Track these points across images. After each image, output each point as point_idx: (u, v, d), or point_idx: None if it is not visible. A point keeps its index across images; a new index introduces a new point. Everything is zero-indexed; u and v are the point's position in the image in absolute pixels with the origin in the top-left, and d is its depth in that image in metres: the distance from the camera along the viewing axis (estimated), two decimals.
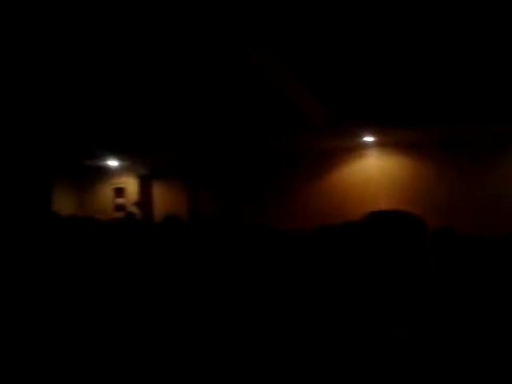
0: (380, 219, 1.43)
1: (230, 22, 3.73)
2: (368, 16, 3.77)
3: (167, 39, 4.03)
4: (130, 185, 10.31)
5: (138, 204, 9.92)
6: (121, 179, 10.33)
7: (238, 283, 1.84)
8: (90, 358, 1.55)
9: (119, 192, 10.37)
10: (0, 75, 4.76)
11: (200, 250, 2.36)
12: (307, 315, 1.53)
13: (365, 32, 4.06)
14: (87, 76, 4.92)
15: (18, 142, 7.62)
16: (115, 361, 1.56)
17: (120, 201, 10.31)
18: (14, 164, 8.47)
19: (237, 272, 2.05)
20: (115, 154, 8.87)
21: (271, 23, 3.91)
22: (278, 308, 1.70)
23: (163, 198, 10.16)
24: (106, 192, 10.45)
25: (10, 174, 8.41)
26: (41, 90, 5.27)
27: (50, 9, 3.40)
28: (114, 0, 3.34)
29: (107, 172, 10.19)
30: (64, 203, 9.57)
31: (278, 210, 8.66)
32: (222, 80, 5.11)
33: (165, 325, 1.71)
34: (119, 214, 9.46)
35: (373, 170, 8.50)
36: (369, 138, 7.99)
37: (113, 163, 9.61)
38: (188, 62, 4.56)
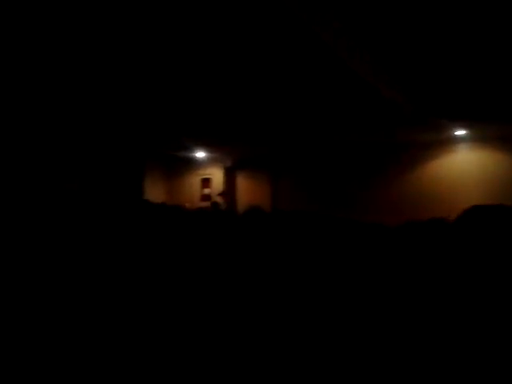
0: (482, 214, 1.30)
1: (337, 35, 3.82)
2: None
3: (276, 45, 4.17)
4: (216, 176, 10.63)
5: (222, 194, 10.21)
6: (207, 170, 10.70)
7: (323, 277, 1.80)
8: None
9: (205, 182, 10.75)
10: (100, 75, 5.13)
11: (283, 241, 2.35)
12: (399, 314, 1.45)
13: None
14: (182, 73, 5.13)
15: (115, 135, 8.20)
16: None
17: (206, 191, 10.69)
18: (111, 155, 9.13)
19: (321, 266, 2.01)
20: (204, 145, 9.20)
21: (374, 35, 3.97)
22: (362, 302, 1.63)
23: (247, 189, 10.35)
24: (193, 182, 10.89)
25: (107, 164, 9.09)
26: (138, 86, 5.60)
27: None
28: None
29: (195, 163, 10.60)
30: (154, 192, 10.15)
31: (366, 203, 8.43)
32: (318, 77, 5.15)
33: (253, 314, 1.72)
34: (205, 204, 9.81)
35: (464, 163, 8.02)
36: (460, 132, 7.62)
37: (200, 154, 9.98)
38: (289, 61, 4.66)
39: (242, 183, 10.49)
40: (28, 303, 1.65)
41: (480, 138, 7.78)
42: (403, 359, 1.30)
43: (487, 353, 1.19)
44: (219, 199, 9.90)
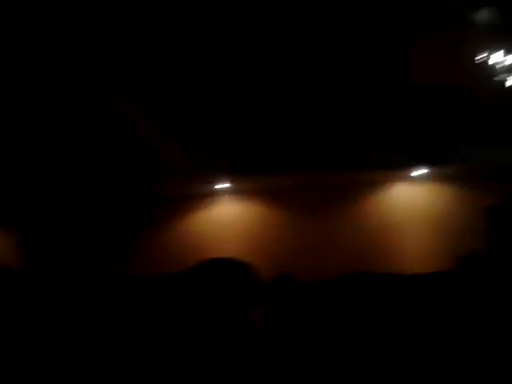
0: (207, 268, 1.55)
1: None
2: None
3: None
4: None
5: None
6: None
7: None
8: None
9: None
10: None
11: (34, 300, 2.23)
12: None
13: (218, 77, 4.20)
14: None
15: None
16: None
17: None
18: None
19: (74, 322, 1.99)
20: None
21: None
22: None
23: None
24: None
25: None
26: None
27: None
28: None
29: None
30: None
31: (124, 257, 8.19)
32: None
33: None
34: None
35: (225, 217, 8.41)
36: (221, 185, 7.87)
37: None
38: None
39: None
40: None
41: (243, 190, 8.11)
42: None
43: None
44: None
